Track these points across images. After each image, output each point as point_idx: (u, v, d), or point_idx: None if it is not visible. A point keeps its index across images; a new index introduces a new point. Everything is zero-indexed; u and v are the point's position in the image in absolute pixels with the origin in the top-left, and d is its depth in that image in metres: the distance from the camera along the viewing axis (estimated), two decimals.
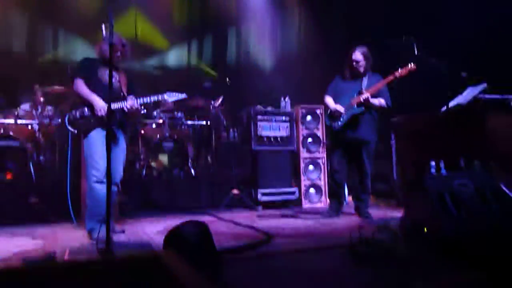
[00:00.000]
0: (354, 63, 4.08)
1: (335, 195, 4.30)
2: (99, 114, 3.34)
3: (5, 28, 6.23)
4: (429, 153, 3.90)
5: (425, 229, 2.53)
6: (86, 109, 3.39)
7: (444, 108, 4.15)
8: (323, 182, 5.55)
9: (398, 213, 4.17)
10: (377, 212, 4.50)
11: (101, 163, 3.29)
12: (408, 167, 4.80)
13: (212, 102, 6.02)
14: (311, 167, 5.56)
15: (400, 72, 3.89)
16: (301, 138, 5.54)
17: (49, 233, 3.58)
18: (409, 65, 3.85)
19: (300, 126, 5.56)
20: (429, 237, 2.47)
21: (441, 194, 2.60)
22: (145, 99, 3.51)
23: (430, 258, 2.33)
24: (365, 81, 4.10)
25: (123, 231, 3.54)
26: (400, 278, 2.11)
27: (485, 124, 3.84)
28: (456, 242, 2.30)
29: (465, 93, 4.32)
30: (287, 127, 5.50)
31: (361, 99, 3.93)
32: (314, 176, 5.54)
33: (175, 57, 7.88)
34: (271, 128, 5.42)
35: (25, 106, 5.38)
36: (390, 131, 5.46)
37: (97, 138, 3.34)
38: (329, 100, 4.21)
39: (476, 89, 4.16)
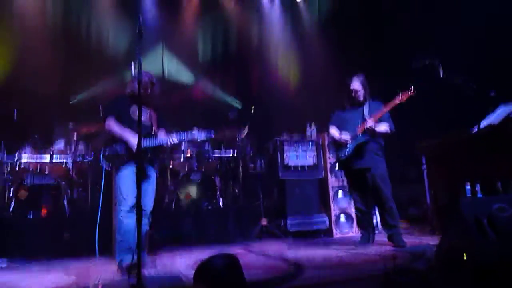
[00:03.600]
0: (353, 93, 4.14)
1: (363, 223, 4.24)
2: (134, 149, 3.43)
3: (40, 68, 6.60)
4: (464, 176, 3.77)
5: (464, 257, 2.41)
6: (119, 145, 3.51)
7: (476, 128, 4.03)
8: (353, 210, 5.42)
9: (433, 240, 4.01)
10: (411, 239, 4.34)
11: (130, 198, 3.37)
12: (442, 192, 4.64)
13: (238, 133, 6.08)
14: (340, 194, 5.45)
15: (400, 97, 3.87)
16: (328, 165, 5.48)
17: (82, 268, 3.63)
18: (409, 90, 3.83)
19: (328, 153, 5.51)
20: (467, 265, 2.35)
21: (479, 219, 2.49)
22: (176, 138, 3.58)
23: (468, 287, 2.21)
24: (366, 108, 4.12)
25: (154, 265, 3.56)
26: None
27: None
28: (495, 269, 2.18)
29: (497, 112, 4.20)
30: (314, 155, 5.47)
31: (366, 127, 3.92)
32: (344, 204, 5.43)
33: (200, 90, 8.07)
34: (298, 157, 5.40)
35: (59, 144, 5.60)
36: (420, 155, 5.33)
37: (127, 174, 3.43)
38: (333, 130, 4.26)
39: (508, 107, 4.03)
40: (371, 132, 3.98)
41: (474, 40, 5.61)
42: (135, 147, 3.35)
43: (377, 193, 4.03)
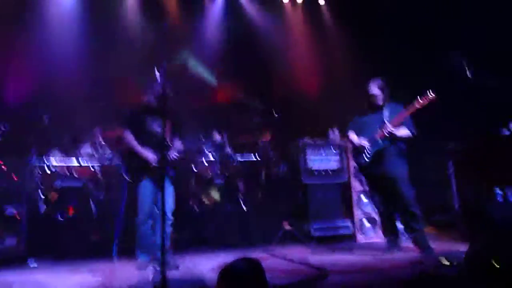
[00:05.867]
0: (371, 98, 4.09)
1: (388, 228, 4.16)
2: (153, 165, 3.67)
3: (69, 75, 6.80)
4: (493, 180, 3.65)
5: (495, 263, 2.32)
6: (136, 159, 3.72)
7: (506, 131, 3.91)
8: (378, 215, 5.32)
9: (462, 246, 3.89)
10: (439, 246, 4.22)
11: (145, 207, 3.71)
12: (471, 196, 4.51)
13: (261, 137, 6.09)
14: (364, 199, 5.36)
15: (421, 102, 3.77)
16: (352, 169, 5.40)
17: (108, 269, 3.70)
18: (429, 94, 3.72)
19: (351, 157, 5.44)
20: (497, 271, 2.27)
21: (509, 223, 2.40)
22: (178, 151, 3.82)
23: None
24: (386, 112, 4.05)
25: (177, 267, 3.60)
26: None
27: None
28: None
29: None
30: (337, 159, 5.41)
31: (385, 132, 3.85)
32: (368, 208, 5.33)
33: (223, 94, 8.13)
34: (321, 161, 5.35)
35: (87, 148, 5.76)
36: (448, 158, 5.19)
37: (144, 185, 3.72)
38: (352, 136, 4.20)
39: None
40: (391, 137, 3.91)
41: (506, 40, 5.43)
42: (151, 162, 3.67)
43: (399, 198, 3.95)
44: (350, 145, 4.84)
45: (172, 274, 3.30)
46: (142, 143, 3.73)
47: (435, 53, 4.96)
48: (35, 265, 4.08)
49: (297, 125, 6.79)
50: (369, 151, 4.01)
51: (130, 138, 3.77)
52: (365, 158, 4.03)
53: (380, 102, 4.08)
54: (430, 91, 3.74)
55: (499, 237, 2.39)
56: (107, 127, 5.87)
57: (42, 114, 5.54)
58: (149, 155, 3.69)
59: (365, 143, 4.03)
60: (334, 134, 5.68)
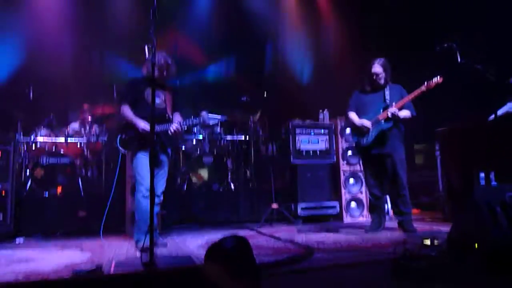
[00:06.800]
0: (374, 76, 4.04)
1: (376, 209, 4.20)
2: (142, 132, 3.49)
3: (56, 51, 6.65)
4: (478, 164, 3.72)
5: (475, 244, 2.40)
6: (133, 131, 3.56)
7: (493, 116, 3.96)
8: (364, 196, 5.41)
9: (444, 227, 3.99)
10: (422, 226, 4.34)
11: (146, 181, 3.42)
12: (455, 179, 4.60)
13: (251, 117, 6.08)
14: (351, 180, 5.45)
15: (427, 85, 3.79)
16: (340, 151, 5.46)
17: (96, 246, 3.72)
18: (436, 77, 3.75)
19: (340, 139, 5.49)
20: (478, 252, 2.34)
21: (492, 206, 2.46)
22: (187, 122, 3.62)
23: (479, 274, 2.20)
24: (387, 92, 4.05)
25: (165, 244, 3.63)
26: None
27: None
28: (507, 257, 2.16)
29: None
30: (326, 140, 5.45)
31: (389, 114, 3.86)
32: (355, 189, 5.42)
33: (213, 72, 8.05)
34: (310, 141, 5.39)
35: (74, 125, 5.70)
36: (434, 141, 5.26)
37: (143, 157, 3.52)
38: (353, 115, 4.18)
39: None
40: (394, 118, 3.92)
41: (495, 26, 5.46)
42: (147, 131, 3.40)
43: (394, 179, 4.00)
44: (349, 125, 4.79)
45: (160, 251, 3.34)
46: (140, 116, 3.54)
47: (426, 38, 4.96)
48: (21, 241, 4.08)
49: (287, 106, 6.79)
50: (371, 132, 4.00)
51: (126, 110, 3.58)
52: (367, 139, 4.03)
53: (382, 82, 4.05)
54: (438, 76, 3.76)
55: (480, 219, 2.45)
56: (95, 104, 5.79)
57: (28, 90, 5.44)
58: (147, 126, 3.46)
59: (367, 124, 4.02)
60: (323, 115, 5.70)
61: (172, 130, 3.57)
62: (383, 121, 3.97)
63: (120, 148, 3.62)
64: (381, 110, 3.99)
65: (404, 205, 4.01)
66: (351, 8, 7.84)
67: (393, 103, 3.93)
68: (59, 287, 1.39)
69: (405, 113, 3.96)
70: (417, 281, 2.19)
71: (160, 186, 3.65)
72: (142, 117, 3.52)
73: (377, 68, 4.03)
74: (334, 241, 3.64)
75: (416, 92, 3.87)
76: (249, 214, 5.38)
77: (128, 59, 7.05)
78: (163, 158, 3.71)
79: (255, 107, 6.15)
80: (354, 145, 5.42)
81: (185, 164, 5.72)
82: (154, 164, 2.72)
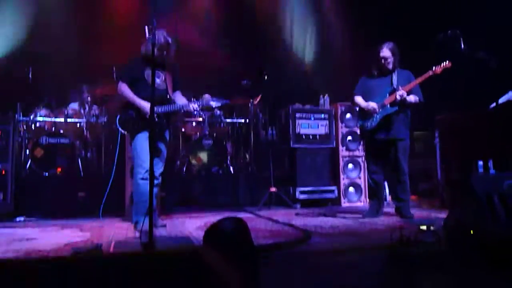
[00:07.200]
0: (382, 60, 3.98)
1: (375, 195, 4.21)
2: (142, 113, 3.46)
3: (55, 31, 6.58)
4: (477, 152, 3.73)
5: (471, 231, 2.42)
6: (133, 111, 3.52)
7: (493, 105, 3.95)
8: (362, 181, 5.44)
9: (442, 214, 4.02)
10: (419, 213, 4.37)
11: (147, 162, 3.41)
12: (454, 167, 4.61)
13: (251, 101, 6.06)
14: (350, 165, 5.47)
15: (435, 69, 3.77)
16: (340, 136, 5.46)
17: (96, 226, 3.75)
18: (444, 62, 3.71)
19: (340, 124, 5.48)
20: (474, 240, 2.37)
21: (489, 195, 2.47)
22: (190, 106, 3.58)
23: (474, 262, 2.23)
24: (394, 77, 3.99)
25: (164, 225, 3.66)
26: (441, 281, 2.03)
27: None
28: (503, 246, 2.18)
29: None
30: (326, 124, 5.44)
31: (397, 97, 3.83)
32: (354, 174, 5.45)
33: (212, 56, 7.97)
34: (310, 126, 5.38)
35: (74, 106, 5.68)
36: (434, 128, 5.26)
37: (143, 139, 3.48)
38: (359, 99, 4.12)
39: None
40: (402, 102, 3.87)
41: (498, 15, 5.39)
42: (148, 113, 3.38)
43: (396, 165, 3.98)
44: (356, 108, 4.75)
45: (159, 232, 3.37)
46: (140, 96, 3.48)
47: (430, 26, 4.90)
48: (22, 219, 4.12)
49: (287, 90, 6.76)
50: (377, 116, 3.96)
51: (125, 89, 3.52)
52: (372, 122, 3.98)
53: (390, 66, 3.99)
54: (447, 60, 3.73)
55: (478, 207, 2.47)
56: (96, 85, 5.75)
57: (27, 69, 5.40)
58: (147, 106, 3.37)
59: (374, 105, 3.97)
60: (324, 100, 5.68)
61: (193, 108, 3.56)
62: (388, 105, 3.93)
63: (120, 129, 3.58)
64: (388, 94, 3.95)
65: (403, 192, 4.02)
66: None
67: (400, 88, 3.89)
68: (59, 265, 1.40)
69: (412, 98, 3.92)
70: (413, 266, 2.22)
71: (159, 169, 3.63)
72: (142, 98, 3.47)
73: (385, 52, 3.97)
74: (332, 225, 3.67)
75: (423, 77, 3.83)
76: (248, 197, 5.41)
77: (127, 40, 6.98)
78: (162, 140, 3.68)
79: (256, 91, 6.11)
80: (356, 129, 5.46)
81: (184, 147, 5.72)
82: (154, 145, 2.72)
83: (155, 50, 3.36)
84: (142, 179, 3.45)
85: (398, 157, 3.97)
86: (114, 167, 3.86)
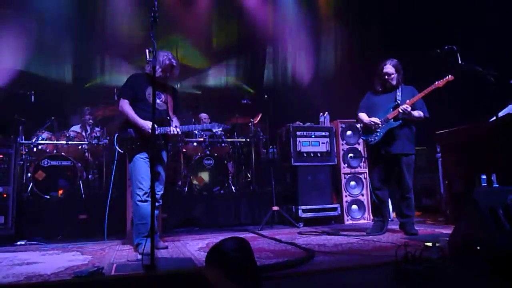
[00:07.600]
0: (386, 77, 4.01)
1: (379, 212, 4.17)
2: (142, 133, 3.46)
3: (56, 55, 6.68)
4: (479, 166, 3.71)
5: (478, 247, 2.38)
6: (132, 130, 3.50)
7: (494, 118, 3.95)
8: (365, 198, 5.41)
9: (446, 230, 3.98)
10: (424, 229, 4.32)
11: (145, 184, 3.43)
12: (457, 181, 4.59)
13: (251, 120, 6.09)
14: (352, 182, 5.45)
15: (438, 83, 3.80)
16: (341, 153, 5.46)
17: (97, 249, 3.71)
18: (447, 76, 3.74)
19: (340, 141, 5.49)
20: (480, 255, 2.33)
21: (494, 209, 2.45)
22: (191, 128, 3.61)
23: (481, 277, 2.20)
24: (398, 93, 4.01)
25: (166, 247, 3.62)
26: None
27: None
28: (510, 259, 2.15)
29: None
30: (326, 142, 5.44)
31: (400, 111, 3.84)
32: (356, 192, 5.42)
33: (214, 76, 8.07)
34: (311, 144, 5.39)
35: (75, 128, 5.71)
36: (435, 143, 5.26)
37: (141, 160, 3.47)
38: (363, 115, 4.13)
39: None
40: (406, 116, 3.87)
41: (496, 28, 5.47)
42: (148, 132, 3.38)
43: (401, 181, 3.96)
44: (359, 124, 4.77)
45: (161, 254, 3.34)
46: (141, 116, 3.46)
47: (428, 39, 4.97)
48: (23, 243, 4.08)
49: (287, 108, 6.80)
50: (380, 130, 3.96)
51: (126, 107, 3.48)
52: (375, 138, 3.97)
53: (394, 82, 4.01)
54: (450, 74, 3.76)
55: (482, 221, 2.44)
56: (97, 107, 5.80)
57: (29, 93, 5.45)
58: (146, 125, 3.40)
59: (375, 120, 3.98)
60: (324, 118, 5.70)
61: (173, 132, 3.52)
62: (392, 119, 3.94)
63: (117, 148, 3.56)
64: (391, 110, 3.96)
65: (407, 208, 3.98)
66: (352, 10, 7.86)
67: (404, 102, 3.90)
68: None
69: (418, 113, 3.93)
70: (418, 284, 2.18)
71: (159, 191, 3.61)
72: (143, 118, 3.47)
73: (389, 68, 4.00)
74: (335, 243, 3.63)
75: (427, 90, 3.85)
76: (250, 217, 5.37)
77: (128, 63, 7.09)
78: (160, 161, 3.64)
79: (256, 110, 6.15)
80: (357, 146, 5.45)
81: (185, 167, 5.72)
82: (155, 166, 2.71)
83: (159, 71, 3.42)
84: (141, 201, 3.43)
85: (403, 173, 3.94)
86: (111, 186, 3.85)
